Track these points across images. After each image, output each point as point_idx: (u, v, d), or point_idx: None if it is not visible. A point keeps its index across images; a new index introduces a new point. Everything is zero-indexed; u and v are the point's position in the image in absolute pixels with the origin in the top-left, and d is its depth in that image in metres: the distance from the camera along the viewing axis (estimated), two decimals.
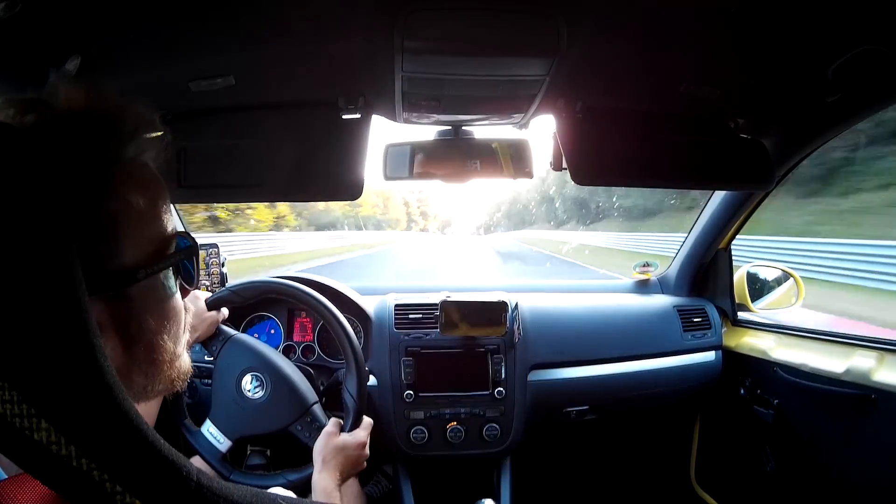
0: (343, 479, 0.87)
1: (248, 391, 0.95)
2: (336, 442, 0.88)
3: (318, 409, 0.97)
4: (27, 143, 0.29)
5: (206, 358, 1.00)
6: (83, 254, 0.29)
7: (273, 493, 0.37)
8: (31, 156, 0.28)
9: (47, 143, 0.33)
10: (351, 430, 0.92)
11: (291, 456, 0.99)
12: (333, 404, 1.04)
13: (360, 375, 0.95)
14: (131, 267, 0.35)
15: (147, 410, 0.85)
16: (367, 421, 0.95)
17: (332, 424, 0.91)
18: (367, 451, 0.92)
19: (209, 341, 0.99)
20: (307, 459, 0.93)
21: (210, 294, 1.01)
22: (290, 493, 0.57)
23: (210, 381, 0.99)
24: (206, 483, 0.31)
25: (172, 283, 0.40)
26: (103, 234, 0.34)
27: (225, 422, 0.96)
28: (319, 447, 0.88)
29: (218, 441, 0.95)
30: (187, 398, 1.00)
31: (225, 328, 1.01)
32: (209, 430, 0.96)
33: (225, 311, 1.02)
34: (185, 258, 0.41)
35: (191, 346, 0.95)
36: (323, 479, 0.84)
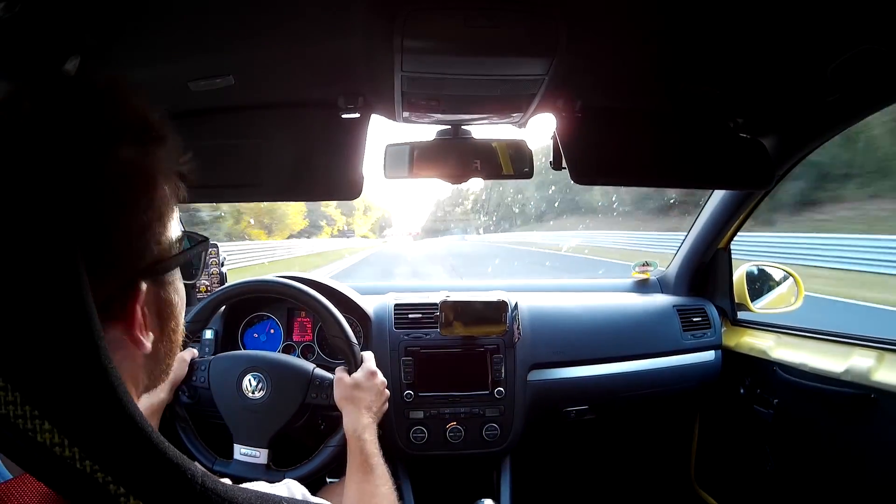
0: (375, 414, 0.89)
1: (253, 393, 0.96)
2: (348, 381, 0.92)
3: (319, 371, 0.99)
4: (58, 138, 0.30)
5: (198, 385, 0.99)
6: (138, 242, 0.34)
7: (278, 496, 0.37)
8: (44, 151, 0.29)
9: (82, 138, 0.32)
10: (356, 368, 0.95)
11: (292, 454, 0.99)
12: (329, 353, 1.13)
13: (353, 357, 0.97)
14: (171, 253, 0.38)
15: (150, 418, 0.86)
16: (366, 354, 0.99)
17: (338, 371, 0.95)
18: (382, 377, 0.96)
19: (190, 376, 0.99)
20: (307, 455, 0.94)
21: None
22: (301, 487, 0.57)
23: (212, 396, 0.98)
24: (212, 486, 0.31)
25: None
26: (154, 222, 0.36)
27: (249, 434, 0.95)
28: (337, 395, 0.91)
29: (255, 457, 0.94)
30: (187, 398, 1.00)
31: (200, 359, 1.02)
32: (241, 452, 0.95)
33: (193, 350, 1.04)
34: (202, 248, 0.45)
35: (174, 391, 0.96)
36: (352, 420, 0.86)
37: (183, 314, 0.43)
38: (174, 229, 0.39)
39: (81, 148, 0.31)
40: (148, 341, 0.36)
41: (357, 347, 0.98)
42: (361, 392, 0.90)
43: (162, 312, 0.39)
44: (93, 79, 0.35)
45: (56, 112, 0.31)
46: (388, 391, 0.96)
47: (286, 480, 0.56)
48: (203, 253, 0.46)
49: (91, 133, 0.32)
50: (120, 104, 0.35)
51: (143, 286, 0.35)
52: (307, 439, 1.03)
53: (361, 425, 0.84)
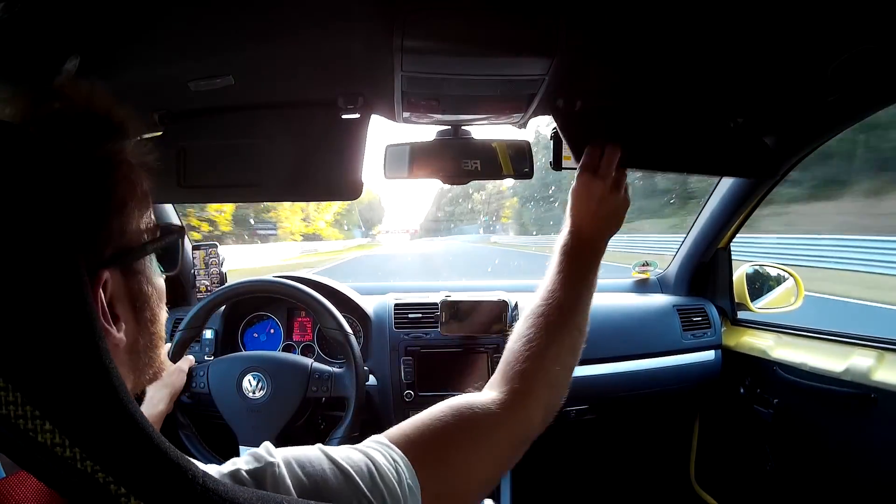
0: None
1: (254, 393, 0.96)
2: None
3: (318, 365, 0.99)
4: (37, 140, 0.30)
5: (198, 391, 0.99)
6: (101, 232, 0.34)
7: (279, 496, 0.37)
8: (37, 154, 0.29)
9: (59, 139, 0.34)
10: (355, 360, 0.96)
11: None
12: (328, 352, 1.12)
13: (358, 372, 0.96)
14: (140, 242, 0.39)
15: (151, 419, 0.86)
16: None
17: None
18: None
19: (189, 384, 0.99)
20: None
21: (168, 344, 1.01)
22: (268, 444, 0.56)
23: (213, 401, 0.98)
24: (212, 486, 0.31)
25: (157, 264, 0.43)
26: (116, 213, 0.37)
27: (254, 435, 0.95)
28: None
29: None
30: (186, 398, 1.00)
31: (198, 365, 1.01)
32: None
33: (190, 358, 1.03)
34: (178, 237, 0.45)
35: (174, 401, 0.95)
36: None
37: (161, 306, 0.43)
38: (143, 219, 0.39)
39: (37, 138, 0.31)
40: (118, 332, 0.37)
41: (353, 338, 0.99)
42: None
43: (134, 303, 0.39)
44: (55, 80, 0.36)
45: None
46: None
47: (264, 443, 0.50)
48: (179, 242, 0.46)
49: (47, 123, 0.33)
50: (81, 100, 0.36)
51: (106, 275, 0.35)
52: (310, 439, 1.03)
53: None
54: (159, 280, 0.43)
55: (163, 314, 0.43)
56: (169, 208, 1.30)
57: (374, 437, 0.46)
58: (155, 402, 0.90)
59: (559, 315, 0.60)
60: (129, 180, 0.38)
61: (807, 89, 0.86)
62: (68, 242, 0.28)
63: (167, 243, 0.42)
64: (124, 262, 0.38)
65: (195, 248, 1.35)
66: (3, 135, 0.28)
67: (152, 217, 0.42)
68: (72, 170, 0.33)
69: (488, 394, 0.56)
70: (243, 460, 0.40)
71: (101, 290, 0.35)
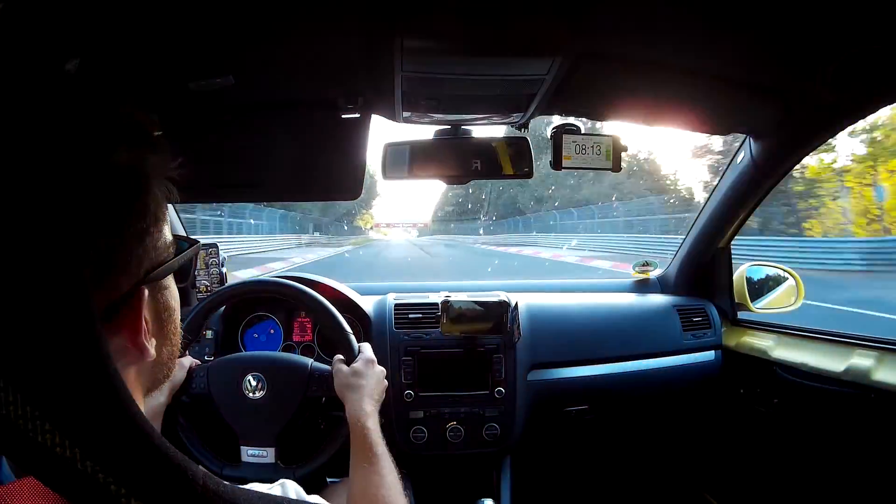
0: (377, 402, 0.88)
1: (254, 393, 0.96)
2: (347, 370, 0.90)
3: (317, 364, 0.99)
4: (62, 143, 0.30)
5: (198, 392, 0.98)
6: (140, 249, 0.34)
7: (280, 496, 0.37)
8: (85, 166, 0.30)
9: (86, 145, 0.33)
10: (353, 358, 0.94)
11: (299, 451, 0.99)
12: (328, 352, 1.10)
13: (349, 347, 0.97)
14: (167, 258, 0.39)
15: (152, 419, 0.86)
16: (364, 345, 0.98)
17: (335, 361, 0.94)
18: (380, 367, 0.95)
19: (189, 384, 0.98)
20: (314, 452, 0.94)
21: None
22: (295, 485, 0.57)
23: (213, 402, 0.98)
24: (213, 486, 0.31)
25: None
26: (152, 229, 0.36)
27: (255, 434, 0.95)
28: (337, 384, 0.90)
29: (262, 456, 0.94)
30: (185, 399, 1.00)
31: (198, 366, 1.00)
32: (249, 453, 0.94)
33: (191, 358, 1.03)
34: (194, 251, 0.45)
35: (172, 395, 0.94)
36: (354, 408, 0.84)
37: (179, 317, 0.43)
38: (167, 233, 0.39)
39: (81, 153, 0.31)
40: (152, 347, 0.37)
41: (352, 337, 0.98)
42: (361, 379, 0.89)
43: (160, 316, 0.40)
44: (87, 83, 0.35)
45: (57, 117, 0.31)
46: (386, 381, 0.95)
47: (281, 481, 0.56)
48: (195, 256, 0.46)
49: (90, 138, 0.32)
50: (114, 109, 0.35)
51: (146, 293, 0.35)
52: (311, 437, 1.03)
53: (364, 413, 0.83)
54: (177, 291, 0.44)
55: (179, 325, 0.44)
56: (170, 209, 1.30)
57: None
58: (155, 395, 0.90)
59: None
60: (159, 195, 0.38)
61: (807, 90, 0.86)
62: (69, 245, 0.28)
63: (189, 256, 0.43)
64: (156, 278, 0.37)
65: None
66: (51, 141, 0.28)
67: (171, 231, 0.42)
68: (87, 180, 0.31)
69: None
70: None
71: (142, 309, 0.35)
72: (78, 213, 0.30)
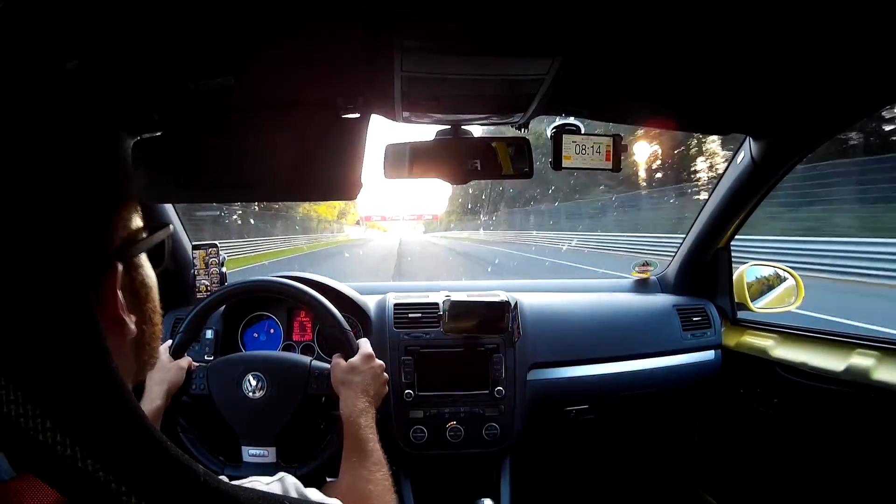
0: (373, 398, 0.88)
1: (254, 393, 0.96)
2: (344, 366, 0.91)
3: (317, 362, 0.99)
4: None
5: (198, 393, 0.98)
6: (112, 222, 0.36)
7: (280, 495, 0.37)
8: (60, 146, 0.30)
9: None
10: (352, 354, 0.95)
11: (299, 450, 0.99)
12: (328, 352, 1.10)
13: (349, 345, 0.97)
14: (139, 236, 0.40)
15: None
16: (362, 341, 0.98)
17: (334, 357, 0.95)
18: (379, 361, 0.95)
19: (188, 385, 0.98)
20: (314, 451, 0.94)
21: (170, 341, 1.00)
22: (293, 479, 0.57)
23: (213, 403, 0.98)
24: (213, 484, 0.31)
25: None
26: (123, 205, 0.38)
27: (256, 434, 0.95)
28: (334, 379, 0.91)
29: (263, 456, 0.94)
30: (186, 399, 1.00)
31: (197, 367, 1.01)
32: (249, 453, 0.95)
33: (190, 359, 1.02)
34: (164, 233, 0.46)
35: (170, 398, 0.94)
36: (348, 404, 0.85)
37: (157, 298, 0.44)
38: (137, 218, 0.41)
39: (69, 141, 0.32)
40: (132, 323, 0.38)
41: (351, 334, 0.98)
42: (357, 375, 0.89)
43: (138, 294, 0.41)
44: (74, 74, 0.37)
45: (51, 106, 0.32)
46: (386, 375, 0.95)
47: (281, 474, 0.56)
48: (167, 239, 0.47)
49: (74, 124, 0.33)
50: (98, 98, 0.37)
51: (120, 267, 0.37)
52: (312, 437, 1.03)
53: (357, 409, 0.84)
54: (153, 273, 0.45)
55: (159, 307, 0.45)
56: (169, 208, 1.30)
57: None
58: (153, 398, 0.90)
59: None
60: (128, 175, 0.40)
61: (807, 90, 0.86)
62: (72, 239, 0.28)
63: (162, 237, 0.44)
64: (129, 255, 0.39)
65: (195, 248, 1.35)
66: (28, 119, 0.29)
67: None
68: (90, 165, 0.34)
69: None
70: None
71: (117, 283, 0.36)
72: (67, 204, 0.30)
